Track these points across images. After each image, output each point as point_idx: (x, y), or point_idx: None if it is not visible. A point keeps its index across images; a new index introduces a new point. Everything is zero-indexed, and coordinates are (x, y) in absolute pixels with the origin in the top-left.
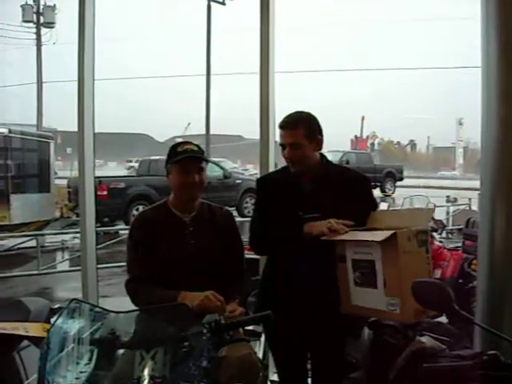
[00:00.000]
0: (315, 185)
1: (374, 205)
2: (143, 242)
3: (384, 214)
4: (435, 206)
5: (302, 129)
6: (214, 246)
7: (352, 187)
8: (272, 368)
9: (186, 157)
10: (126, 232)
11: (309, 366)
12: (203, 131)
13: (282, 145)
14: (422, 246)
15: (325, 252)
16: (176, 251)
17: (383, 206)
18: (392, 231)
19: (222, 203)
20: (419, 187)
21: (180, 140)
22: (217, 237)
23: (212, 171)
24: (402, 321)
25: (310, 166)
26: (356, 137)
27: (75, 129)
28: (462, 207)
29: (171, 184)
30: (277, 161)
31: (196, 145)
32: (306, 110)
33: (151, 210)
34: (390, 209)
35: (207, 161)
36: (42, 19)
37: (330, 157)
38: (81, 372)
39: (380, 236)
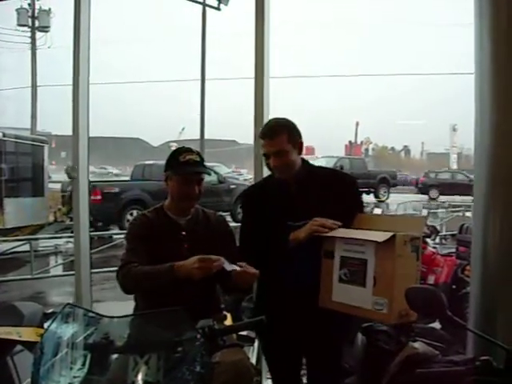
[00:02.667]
0: (300, 188)
1: (360, 204)
2: (141, 238)
3: (376, 218)
4: (429, 212)
5: (285, 134)
6: (207, 251)
7: (337, 187)
8: (265, 373)
9: (186, 166)
10: (120, 237)
11: (303, 372)
12: (197, 136)
13: (265, 154)
14: (414, 251)
15: (317, 255)
16: (170, 254)
17: (377, 212)
18: (391, 233)
19: (216, 208)
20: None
21: (176, 145)
22: (211, 241)
23: (206, 176)
24: (385, 321)
25: (294, 171)
26: (350, 142)
27: (70, 133)
28: (456, 213)
29: (169, 191)
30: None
31: (197, 153)
32: (283, 117)
33: (148, 213)
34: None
35: (209, 173)
36: (36, 23)
37: (324, 162)
38: (74, 377)
39: (380, 237)
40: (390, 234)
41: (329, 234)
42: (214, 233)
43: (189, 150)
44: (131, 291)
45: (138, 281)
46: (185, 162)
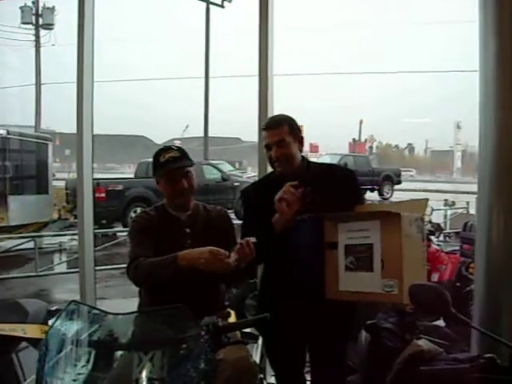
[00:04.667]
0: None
1: (361, 196)
2: (145, 233)
3: (377, 206)
4: (433, 209)
5: (286, 126)
6: (207, 245)
7: (336, 181)
8: (269, 371)
9: (168, 164)
10: (124, 234)
11: (308, 369)
12: (201, 133)
13: (267, 146)
14: (419, 232)
15: (320, 251)
16: (172, 249)
17: None
18: (396, 212)
19: (220, 205)
20: (417, 191)
21: (180, 143)
22: (211, 235)
23: (210, 173)
24: (397, 301)
25: (295, 166)
26: (354, 140)
27: (74, 130)
28: (460, 211)
29: (162, 191)
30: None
31: (178, 149)
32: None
33: (150, 211)
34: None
35: (191, 161)
36: (40, 21)
37: (328, 160)
38: (78, 374)
39: (385, 209)
40: (395, 211)
41: (338, 216)
42: (213, 227)
43: (167, 149)
44: (142, 284)
45: (146, 273)
46: (165, 162)
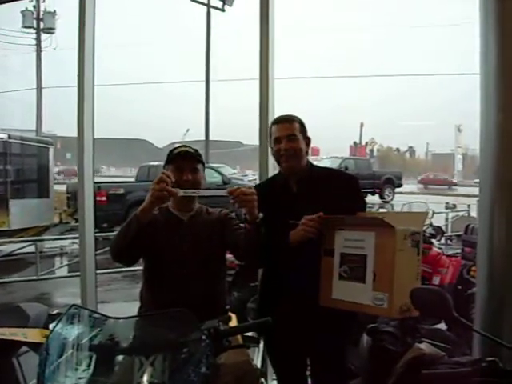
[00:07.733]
0: (302, 187)
1: (363, 203)
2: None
3: (378, 215)
4: (433, 212)
5: (297, 123)
6: (208, 245)
7: (339, 187)
8: (271, 374)
9: (179, 157)
10: None
11: (308, 373)
12: (202, 137)
13: (276, 139)
14: (414, 246)
15: (319, 255)
16: (171, 248)
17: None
18: (391, 224)
19: (221, 209)
20: (418, 194)
21: (178, 144)
22: (212, 236)
23: (211, 177)
24: (386, 316)
25: (301, 164)
26: (355, 143)
27: (75, 134)
28: (461, 214)
29: None
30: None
31: (193, 148)
32: None
33: (154, 209)
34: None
35: (202, 163)
36: (42, 25)
37: (328, 163)
38: (79, 378)
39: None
40: (390, 224)
41: (334, 217)
42: (215, 227)
43: (184, 145)
44: (117, 256)
45: (116, 241)
46: (178, 153)
